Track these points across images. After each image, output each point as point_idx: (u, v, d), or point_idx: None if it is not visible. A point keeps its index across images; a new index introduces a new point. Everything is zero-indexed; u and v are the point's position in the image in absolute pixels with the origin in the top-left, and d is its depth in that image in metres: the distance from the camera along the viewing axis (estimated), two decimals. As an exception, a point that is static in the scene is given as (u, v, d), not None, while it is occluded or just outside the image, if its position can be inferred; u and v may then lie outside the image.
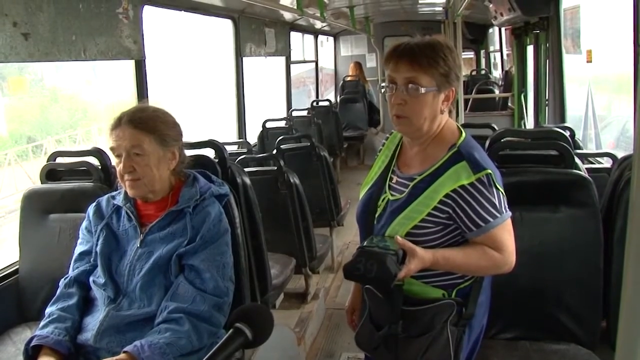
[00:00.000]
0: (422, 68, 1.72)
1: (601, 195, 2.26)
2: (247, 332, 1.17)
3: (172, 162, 2.04)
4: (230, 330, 1.18)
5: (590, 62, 4.15)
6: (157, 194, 2.03)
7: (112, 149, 1.98)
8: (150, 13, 3.63)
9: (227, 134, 5.59)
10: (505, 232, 1.73)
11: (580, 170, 2.19)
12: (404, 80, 1.73)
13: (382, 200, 1.85)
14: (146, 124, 1.96)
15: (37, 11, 2.60)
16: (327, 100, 8.45)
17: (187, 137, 2.16)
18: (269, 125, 5.96)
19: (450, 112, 1.85)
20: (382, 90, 1.81)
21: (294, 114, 7.12)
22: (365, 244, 1.69)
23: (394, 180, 1.86)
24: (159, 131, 1.98)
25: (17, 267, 2.65)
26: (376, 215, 1.85)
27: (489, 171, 1.70)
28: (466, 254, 1.73)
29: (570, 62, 4.76)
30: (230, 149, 4.35)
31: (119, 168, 1.97)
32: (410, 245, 1.66)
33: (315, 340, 3.80)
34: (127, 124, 1.94)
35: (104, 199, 2.14)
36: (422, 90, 1.72)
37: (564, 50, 4.68)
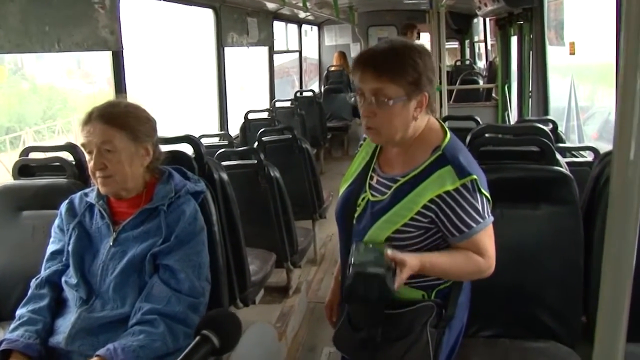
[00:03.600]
0: (389, 78, 1.66)
1: (582, 189, 2.25)
2: (214, 339, 1.14)
3: (145, 159, 1.98)
4: (197, 338, 1.14)
5: (574, 54, 4.15)
6: (130, 192, 1.99)
7: (83, 145, 1.93)
8: (127, 2, 3.55)
9: (209, 126, 5.54)
10: (487, 237, 1.72)
11: (561, 166, 2.17)
12: (370, 91, 1.68)
13: (362, 200, 1.82)
14: (117, 119, 1.91)
15: (7, 1, 2.53)
16: (311, 90, 8.39)
17: (168, 131, 2.11)
18: (251, 116, 5.90)
19: (433, 111, 1.80)
20: (351, 99, 1.78)
21: (277, 104, 7.06)
22: (354, 260, 1.63)
23: (374, 180, 1.82)
24: (130, 127, 1.92)
25: (-11, 265, 2.59)
26: (356, 215, 1.82)
27: (474, 177, 1.67)
28: (452, 258, 1.70)
29: (554, 53, 4.76)
30: (212, 140, 4.30)
31: (90, 165, 1.92)
32: (401, 257, 1.62)
33: (296, 334, 3.77)
34: (98, 120, 1.89)
35: (76, 197, 2.09)
36: (390, 102, 1.66)
37: (547, 42, 4.67)
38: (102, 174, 1.91)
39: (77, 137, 2.67)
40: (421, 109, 1.72)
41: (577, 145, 4.11)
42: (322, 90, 9.45)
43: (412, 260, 1.63)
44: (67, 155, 2.58)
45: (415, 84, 1.67)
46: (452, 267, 1.71)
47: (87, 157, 1.93)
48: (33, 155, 2.66)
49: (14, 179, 2.59)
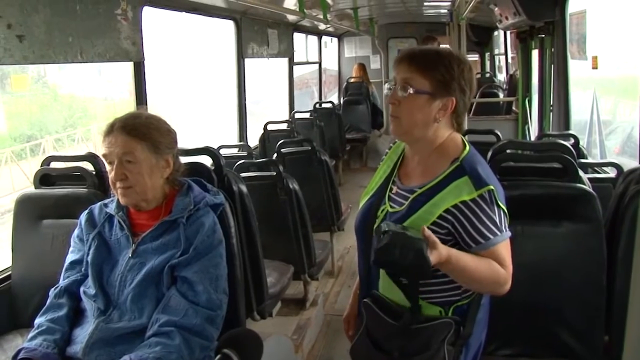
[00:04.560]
0: (419, 70, 1.70)
1: (605, 206, 2.21)
2: (235, 358, 1.13)
3: (165, 171, 2.00)
4: (218, 357, 1.14)
5: (596, 68, 4.10)
6: (150, 203, 1.99)
7: (104, 155, 1.94)
8: (149, 14, 3.58)
9: (229, 137, 5.55)
10: (505, 251, 1.68)
11: (584, 183, 2.14)
12: (401, 80, 1.72)
13: (382, 212, 1.81)
14: (139, 130, 1.92)
15: (33, 12, 2.56)
16: (330, 102, 8.39)
17: (190, 141, 2.12)
18: (270, 127, 5.91)
19: (460, 125, 1.79)
20: (385, 91, 1.80)
21: (297, 116, 7.07)
22: (387, 227, 1.58)
23: (394, 191, 1.82)
24: (152, 138, 1.94)
25: (9, 272, 2.62)
26: (374, 227, 1.81)
27: (492, 187, 1.65)
28: (476, 260, 1.66)
29: (576, 66, 4.70)
30: (231, 151, 4.32)
31: (111, 175, 1.93)
32: (434, 238, 1.58)
33: (313, 347, 3.75)
34: (120, 131, 1.91)
35: (96, 207, 2.10)
36: (411, 90, 1.69)
37: (569, 56, 4.62)
38: (122, 184, 1.92)
39: (97, 146, 2.69)
40: (445, 113, 1.73)
41: (600, 161, 4.06)
42: (342, 101, 9.45)
43: (442, 248, 1.59)
44: (88, 165, 2.60)
45: (443, 84, 1.70)
46: (475, 269, 1.65)
47: (108, 167, 1.95)
48: (54, 164, 2.68)
49: (35, 188, 2.62)
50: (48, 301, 2.01)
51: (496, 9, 5.82)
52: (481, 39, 9.97)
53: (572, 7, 4.54)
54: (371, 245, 1.79)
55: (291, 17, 6.26)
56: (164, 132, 2.00)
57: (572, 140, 3.47)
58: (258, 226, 2.58)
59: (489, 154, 2.24)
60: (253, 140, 5.82)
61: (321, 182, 4.49)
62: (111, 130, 1.93)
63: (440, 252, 1.58)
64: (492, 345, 2.12)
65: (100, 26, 3.05)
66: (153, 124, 1.98)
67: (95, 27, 3.00)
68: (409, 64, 1.72)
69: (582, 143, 3.86)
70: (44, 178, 2.62)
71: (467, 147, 1.76)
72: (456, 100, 1.73)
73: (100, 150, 1.98)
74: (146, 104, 3.57)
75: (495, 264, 1.67)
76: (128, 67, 3.58)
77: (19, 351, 1.86)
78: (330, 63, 10.40)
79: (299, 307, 3.99)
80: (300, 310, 3.96)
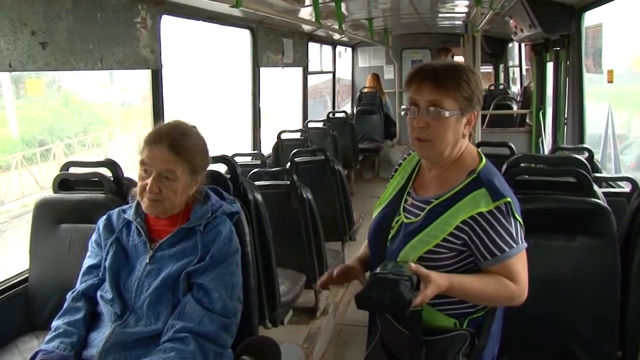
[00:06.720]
0: (447, 91, 1.69)
1: (619, 220, 2.21)
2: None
3: (193, 188, 2.03)
4: None
5: (612, 82, 4.09)
6: (170, 213, 2.02)
7: (142, 162, 1.96)
8: (168, 23, 3.63)
9: (244, 144, 5.57)
10: (520, 263, 1.69)
11: (598, 198, 2.14)
12: (427, 102, 1.71)
13: (396, 222, 1.82)
14: (186, 152, 1.96)
15: (56, 20, 2.60)
16: (343, 111, 8.40)
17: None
18: (284, 136, 5.93)
19: (470, 135, 1.81)
20: (403, 112, 1.78)
21: (310, 125, 7.09)
22: (377, 270, 1.63)
23: (409, 202, 1.83)
24: (194, 162, 1.98)
25: (26, 275, 2.65)
26: (389, 237, 1.82)
27: (509, 200, 1.67)
28: (483, 281, 1.68)
29: (590, 78, 4.69)
30: (244, 160, 4.34)
31: (142, 183, 1.95)
32: (424, 271, 1.60)
33: (323, 356, 3.76)
34: (168, 147, 1.93)
35: (114, 213, 2.12)
36: (446, 113, 1.69)
37: (584, 69, 4.61)
38: (154, 197, 1.94)
39: (108, 152, 2.72)
40: (469, 127, 1.76)
41: (614, 175, 4.05)
42: (355, 111, 9.46)
43: (440, 279, 1.61)
44: (106, 171, 2.63)
45: (468, 100, 1.72)
46: (482, 290, 1.67)
47: (141, 173, 1.96)
48: (73, 169, 2.71)
49: (54, 192, 2.65)
50: (65, 304, 2.04)
51: (511, 21, 5.82)
52: (495, 50, 9.96)
53: (588, 21, 4.54)
54: (385, 254, 1.81)
55: (306, 27, 6.29)
56: (205, 155, 2.05)
57: (586, 154, 3.46)
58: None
59: (504, 167, 2.25)
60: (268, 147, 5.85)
61: (334, 191, 4.50)
62: (159, 141, 1.94)
63: (438, 284, 1.60)
64: (505, 358, 2.12)
65: (120, 34, 3.09)
66: (199, 146, 2.02)
67: (115, 35, 3.04)
68: (434, 85, 1.70)
69: (597, 157, 3.86)
70: (63, 183, 2.66)
71: (484, 160, 1.78)
72: (477, 113, 1.76)
73: (140, 154, 1.99)
74: (163, 110, 3.61)
75: (504, 280, 1.68)
76: (141, 74, 3.63)
77: (36, 353, 1.89)
78: (344, 73, 10.42)
79: (310, 315, 4.00)
80: (311, 319, 3.97)
